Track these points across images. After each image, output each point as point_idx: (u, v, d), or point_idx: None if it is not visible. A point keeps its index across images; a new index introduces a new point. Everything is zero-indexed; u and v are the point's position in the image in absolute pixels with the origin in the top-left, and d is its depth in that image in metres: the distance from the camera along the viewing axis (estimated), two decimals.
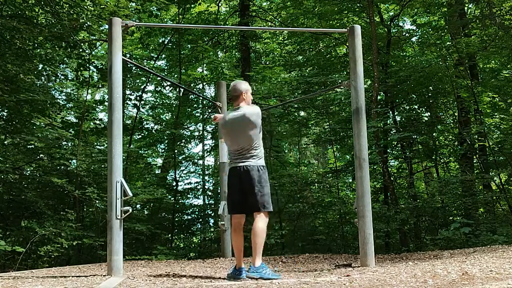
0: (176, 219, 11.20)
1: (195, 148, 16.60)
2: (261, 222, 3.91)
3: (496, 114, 9.70)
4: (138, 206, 10.27)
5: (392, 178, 9.53)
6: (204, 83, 13.83)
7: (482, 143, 9.09)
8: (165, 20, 12.60)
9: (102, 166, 9.16)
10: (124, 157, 8.79)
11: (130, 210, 4.23)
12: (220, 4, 13.05)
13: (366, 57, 9.14)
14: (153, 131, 12.86)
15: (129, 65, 9.92)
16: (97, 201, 8.57)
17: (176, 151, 12.04)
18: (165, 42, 12.10)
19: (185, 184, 12.79)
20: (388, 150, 10.12)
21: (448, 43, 9.90)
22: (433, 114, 10.17)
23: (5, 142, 8.75)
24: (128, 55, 11.97)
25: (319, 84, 10.04)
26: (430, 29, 10.41)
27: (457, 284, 2.87)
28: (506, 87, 8.97)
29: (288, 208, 10.30)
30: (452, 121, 10.44)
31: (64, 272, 4.87)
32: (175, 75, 12.99)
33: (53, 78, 9.82)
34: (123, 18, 7.58)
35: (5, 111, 8.57)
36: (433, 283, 2.96)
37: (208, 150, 14.08)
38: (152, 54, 12.62)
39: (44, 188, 8.48)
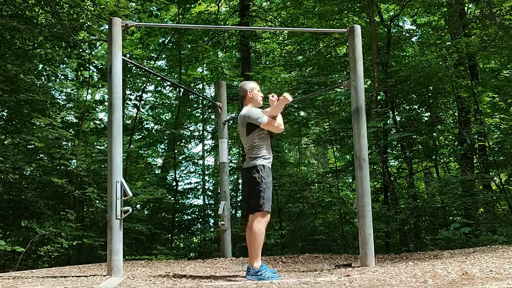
0: (176, 219, 11.20)
1: (195, 148, 16.63)
2: (254, 223, 3.90)
3: (496, 114, 9.69)
4: (138, 206, 10.28)
5: (392, 178, 9.53)
6: (204, 83, 13.84)
7: (482, 143, 9.08)
8: (165, 20, 12.60)
9: (102, 166, 9.16)
10: (124, 157, 8.79)
11: (130, 210, 4.23)
12: (220, 4, 13.06)
13: (366, 57, 9.14)
14: (153, 131, 12.86)
15: (129, 65, 9.92)
16: (97, 201, 8.56)
17: (176, 151, 12.04)
18: (165, 42, 12.10)
19: (185, 184, 12.82)
20: (388, 150, 10.12)
21: (448, 43, 9.89)
22: (433, 114, 10.17)
23: (5, 142, 8.75)
24: (128, 55, 11.97)
25: (319, 84, 10.03)
26: (430, 29, 10.41)
27: (457, 284, 2.87)
28: (506, 87, 8.97)
29: (288, 208, 10.30)
30: (452, 121, 10.43)
31: (64, 272, 4.87)
32: (175, 75, 13.00)
33: (53, 78, 9.82)
34: (123, 18, 7.58)
35: (5, 111, 8.57)
36: (433, 283, 2.96)
37: (208, 150, 14.08)
38: (152, 54, 12.62)
39: (44, 188, 8.48)
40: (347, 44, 6.26)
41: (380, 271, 3.90)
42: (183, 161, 13.06)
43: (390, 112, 10.17)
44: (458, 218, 8.66)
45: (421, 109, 10.49)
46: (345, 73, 10.29)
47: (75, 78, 10.28)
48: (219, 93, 6.99)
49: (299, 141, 12.99)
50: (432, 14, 10.94)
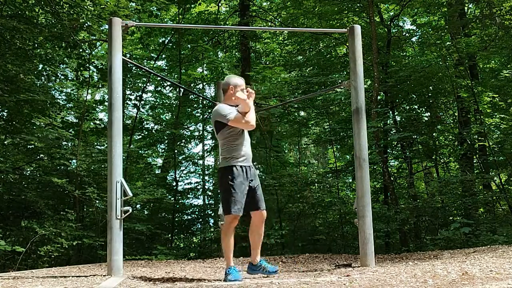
0: (176, 219, 11.21)
1: (195, 148, 16.61)
2: (223, 225, 3.87)
3: (496, 114, 9.69)
4: (138, 206, 10.29)
5: (392, 178, 9.53)
6: (204, 83, 13.85)
7: (482, 143, 9.09)
8: (165, 20, 12.60)
9: (102, 166, 9.16)
10: (124, 157, 8.79)
11: (130, 210, 4.23)
12: (220, 4, 13.06)
13: (366, 57, 9.13)
14: (153, 131, 12.87)
15: (129, 65, 9.93)
16: (97, 201, 8.57)
17: (176, 151, 12.05)
18: (165, 42, 12.11)
19: (185, 184, 12.83)
20: (388, 150, 10.13)
21: (448, 43, 9.89)
22: (433, 114, 10.17)
23: (5, 142, 8.75)
24: (128, 55, 11.97)
25: (319, 84, 10.03)
26: (430, 29, 10.42)
27: (457, 284, 2.86)
28: (506, 87, 8.97)
29: (288, 208, 10.30)
30: (452, 121, 10.44)
31: (64, 272, 4.87)
32: (175, 75, 13.00)
33: (53, 78, 9.83)
34: (123, 18, 7.57)
35: (5, 111, 8.57)
36: (433, 283, 2.96)
37: (208, 150, 14.08)
38: (152, 54, 12.62)
39: (44, 188, 8.48)
40: (347, 44, 6.26)
41: (380, 271, 3.90)
42: (183, 161, 13.07)
43: (390, 112, 10.17)
44: (458, 218, 8.66)
45: (421, 109, 10.50)
46: (345, 73, 10.29)
47: (75, 78, 10.28)
48: (219, 93, 6.95)
49: (299, 141, 13.00)
50: (432, 14, 10.93)
